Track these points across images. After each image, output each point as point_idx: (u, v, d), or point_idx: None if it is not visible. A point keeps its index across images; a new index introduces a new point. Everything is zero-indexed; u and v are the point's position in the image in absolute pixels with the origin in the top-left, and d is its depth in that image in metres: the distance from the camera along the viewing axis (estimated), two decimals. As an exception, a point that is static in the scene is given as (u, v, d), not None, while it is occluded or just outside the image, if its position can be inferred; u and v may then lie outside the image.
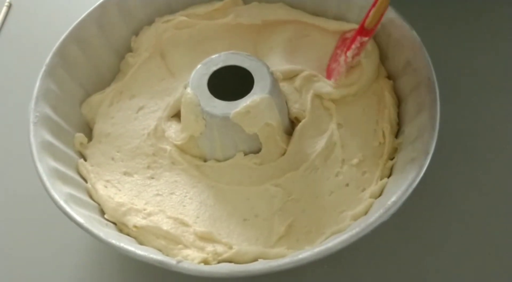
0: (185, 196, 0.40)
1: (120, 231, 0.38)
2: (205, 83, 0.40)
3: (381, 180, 0.39)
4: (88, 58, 0.45)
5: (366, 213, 0.37)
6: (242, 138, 0.40)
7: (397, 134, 0.41)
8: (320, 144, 0.41)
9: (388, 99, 0.42)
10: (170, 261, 0.33)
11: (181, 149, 0.42)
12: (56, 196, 0.36)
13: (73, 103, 0.44)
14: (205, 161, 0.42)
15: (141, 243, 0.37)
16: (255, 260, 0.35)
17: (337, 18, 0.46)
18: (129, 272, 0.41)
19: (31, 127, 0.39)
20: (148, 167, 0.42)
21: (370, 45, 0.43)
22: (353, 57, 0.42)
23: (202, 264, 0.35)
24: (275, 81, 0.40)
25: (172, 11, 0.48)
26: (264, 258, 0.35)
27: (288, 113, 0.43)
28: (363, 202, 0.38)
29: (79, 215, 0.35)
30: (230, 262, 0.36)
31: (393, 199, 0.34)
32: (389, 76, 0.44)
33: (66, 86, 0.43)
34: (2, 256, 0.43)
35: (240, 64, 0.40)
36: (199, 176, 0.41)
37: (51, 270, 0.42)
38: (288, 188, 0.39)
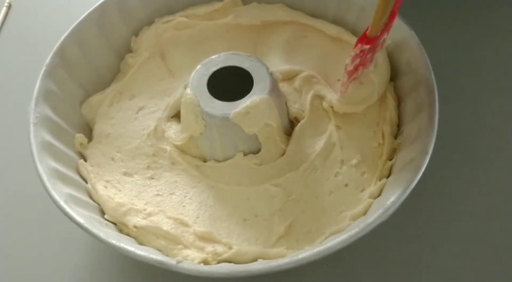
0: (185, 196, 0.40)
1: (120, 231, 0.39)
2: (204, 84, 0.40)
3: (380, 180, 0.39)
4: (88, 59, 0.45)
5: (365, 213, 0.37)
6: (242, 138, 0.40)
7: (396, 134, 0.41)
8: (320, 144, 0.41)
9: (390, 101, 0.42)
10: (170, 261, 0.34)
11: (181, 149, 0.42)
12: (56, 196, 0.36)
13: (73, 104, 0.44)
14: (205, 161, 0.42)
15: (141, 243, 0.37)
16: (255, 260, 0.36)
17: (336, 18, 0.46)
18: (129, 272, 0.41)
19: (31, 127, 0.39)
20: (148, 167, 0.42)
21: (383, 62, 0.41)
22: (356, 67, 0.39)
23: (202, 264, 0.35)
24: (274, 82, 0.41)
25: (172, 11, 0.48)
26: (264, 258, 0.36)
27: (288, 113, 0.43)
28: (362, 202, 0.38)
29: (79, 215, 0.35)
30: (230, 262, 0.36)
31: (392, 199, 0.34)
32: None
33: (66, 87, 0.43)
34: (2, 256, 0.43)
35: (239, 64, 0.41)
36: (199, 176, 0.41)
37: (51, 270, 0.42)
38: (287, 188, 0.39)
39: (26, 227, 0.44)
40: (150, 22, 0.48)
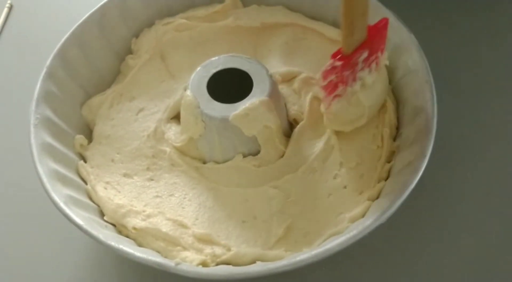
0: (184, 198, 0.40)
1: (120, 232, 0.39)
2: (204, 86, 0.40)
3: (378, 182, 0.39)
4: (88, 60, 0.45)
5: (363, 215, 0.37)
6: (241, 140, 0.40)
7: (395, 137, 0.41)
8: (318, 146, 0.41)
9: (389, 104, 0.42)
10: (169, 263, 0.34)
11: (181, 151, 0.42)
12: (56, 198, 0.36)
13: (74, 105, 0.44)
14: (204, 162, 0.42)
15: (140, 245, 0.38)
16: (254, 262, 0.36)
17: (336, 21, 0.46)
18: (128, 274, 0.42)
19: (32, 129, 0.39)
20: (148, 169, 0.42)
21: (375, 84, 0.39)
22: (335, 84, 0.37)
23: (201, 266, 0.35)
24: (274, 84, 0.41)
25: (172, 13, 0.48)
26: (263, 260, 0.36)
27: (287, 115, 0.43)
28: (360, 205, 0.38)
29: (78, 216, 0.35)
30: (229, 264, 0.36)
31: (390, 201, 0.34)
32: (388, 79, 0.44)
33: (66, 88, 0.43)
34: (2, 256, 0.44)
35: (239, 66, 0.41)
36: (198, 178, 0.41)
37: (50, 271, 0.43)
38: (286, 190, 0.39)
39: (26, 228, 0.45)
40: (150, 24, 0.48)
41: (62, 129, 0.42)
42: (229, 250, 0.37)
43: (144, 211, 0.39)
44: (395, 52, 0.42)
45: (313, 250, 0.34)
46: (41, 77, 0.42)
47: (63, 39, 0.44)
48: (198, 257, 0.36)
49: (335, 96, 0.38)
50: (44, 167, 0.38)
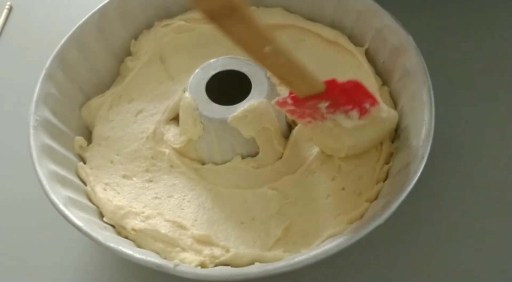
0: (183, 199, 0.40)
1: (119, 233, 0.39)
2: (203, 88, 0.40)
3: (377, 184, 0.39)
4: (88, 62, 0.45)
5: (361, 216, 0.37)
6: (240, 142, 0.40)
7: (393, 138, 0.42)
8: (317, 148, 0.41)
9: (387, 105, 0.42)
10: (168, 264, 0.34)
11: (180, 152, 0.42)
12: (56, 199, 0.36)
13: (73, 107, 0.44)
14: (203, 164, 0.42)
15: (139, 246, 0.38)
16: (252, 263, 0.36)
17: (334, 23, 0.47)
18: (127, 275, 0.42)
19: (31, 131, 0.39)
20: (147, 170, 0.42)
21: (364, 131, 0.38)
22: (305, 115, 0.37)
23: (199, 267, 0.35)
24: (272, 86, 0.41)
25: (171, 15, 0.48)
26: (261, 261, 0.36)
27: (286, 117, 0.43)
28: (359, 206, 0.38)
29: (78, 218, 0.36)
30: (227, 265, 0.36)
31: (388, 203, 0.34)
32: (385, 81, 0.44)
33: (66, 90, 0.43)
34: (2, 257, 0.44)
35: (238, 68, 0.41)
36: (197, 179, 0.41)
37: (50, 272, 0.43)
38: (285, 191, 0.40)
39: (26, 229, 0.45)
40: (149, 26, 0.48)
41: (61, 131, 0.42)
42: (228, 251, 0.37)
43: (143, 212, 0.39)
44: (393, 54, 0.42)
45: (311, 251, 0.34)
46: (40, 79, 0.42)
47: (62, 41, 0.44)
48: (197, 258, 0.36)
49: (308, 121, 0.38)
50: (44, 169, 0.38)
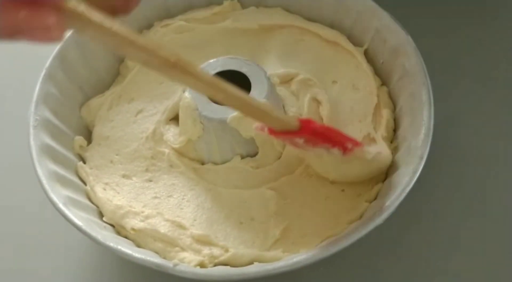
0: (183, 199, 0.40)
1: (118, 233, 0.39)
2: (203, 88, 0.40)
3: (376, 184, 0.39)
4: (87, 62, 0.45)
5: (361, 217, 0.37)
6: (239, 142, 0.40)
7: (392, 139, 0.42)
8: (316, 148, 0.41)
9: (386, 106, 0.42)
10: (167, 264, 0.34)
11: (179, 152, 0.42)
12: (55, 199, 0.36)
13: (73, 107, 0.44)
14: (202, 164, 0.42)
15: (138, 246, 0.38)
16: (251, 263, 0.36)
17: (334, 23, 0.47)
18: (126, 274, 0.42)
19: (31, 130, 0.39)
20: (147, 170, 0.42)
21: (350, 166, 0.38)
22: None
23: (199, 267, 0.35)
24: (272, 86, 0.41)
25: (171, 15, 0.48)
26: (260, 261, 0.36)
27: (285, 117, 0.43)
28: (358, 207, 0.38)
29: (77, 217, 0.36)
30: (226, 265, 0.36)
31: (387, 203, 0.34)
32: (384, 81, 0.44)
33: (66, 90, 0.44)
34: (1, 257, 0.44)
35: (238, 69, 0.41)
36: (197, 179, 0.41)
37: (49, 272, 0.43)
38: (283, 192, 0.40)
39: (25, 229, 0.45)
40: (149, 26, 0.48)
41: (61, 130, 0.42)
42: (227, 251, 0.37)
43: (142, 212, 0.39)
44: (392, 54, 0.42)
45: (310, 251, 0.34)
46: (40, 79, 0.42)
47: (62, 41, 0.44)
48: (196, 258, 0.36)
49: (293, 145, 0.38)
50: (44, 168, 0.38)
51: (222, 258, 0.36)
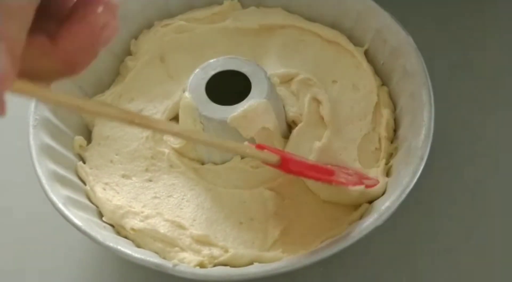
0: (183, 199, 0.40)
1: (118, 233, 0.39)
2: (203, 88, 0.40)
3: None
4: (88, 61, 0.45)
5: (361, 217, 0.37)
6: (240, 142, 0.40)
7: (392, 139, 0.42)
8: (316, 148, 0.41)
9: (386, 106, 0.42)
10: (167, 264, 0.34)
11: (179, 152, 0.42)
12: (55, 199, 0.36)
13: (73, 106, 0.44)
14: (202, 163, 0.42)
15: (138, 246, 0.38)
16: (251, 263, 0.36)
17: (334, 23, 0.47)
18: (126, 274, 0.42)
19: (31, 130, 0.39)
20: (146, 170, 0.42)
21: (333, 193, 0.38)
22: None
23: (198, 267, 0.35)
24: (272, 86, 0.41)
25: (171, 15, 0.48)
26: (260, 262, 0.36)
27: (285, 117, 0.43)
28: (358, 207, 0.38)
29: (77, 217, 0.36)
30: (226, 265, 0.36)
31: (387, 204, 0.34)
32: (385, 82, 0.44)
33: (66, 89, 0.43)
34: (1, 257, 0.44)
35: (238, 68, 0.41)
36: (197, 179, 0.41)
37: (49, 271, 0.43)
38: (282, 192, 0.40)
39: (25, 229, 0.45)
40: (149, 26, 0.48)
41: (61, 130, 0.42)
42: (226, 251, 0.37)
43: (142, 212, 0.39)
44: (392, 55, 0.42)
45: (310, 252, 0.34)
46: (40, 78, 0.42)
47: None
48: (196, 258, 0.36)
49: None
50: (43, 168, 0.38)
51: (221, 259, 0.36)
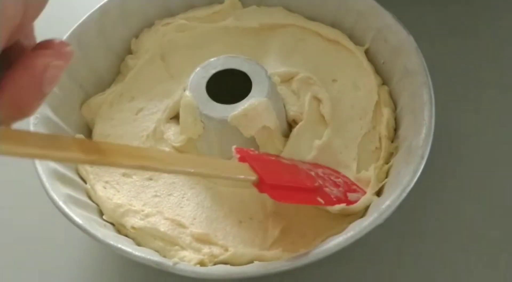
0: (183, 197, 0.40)
1: (118, 232, 0.39)
2: (203, 86, 0.40)
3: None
4: (88, 60, 0.45)
5: (361, 216, 0.37)
6: (240, 141, 0.40)
7: (393, 138, 0.42)
8: (316, 148, 0.41)
9: (386, 105, 0.42)
10: (167, 262, 0.34)
11: (180, 151, 0.42)
12: (55, 197, 0.36)
13: (73, 105, 0.44)
14: (203, 162, 0.42)
15: (139, 244, 0.38)
16: (251, 262, 0.36)
17: (335, 22, 0.47)
18: (126, 273, 0.42)
19: (32, 128, 0.39)
20: (147, 169, 0.42)
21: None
22: None
23: (198, 265, 0.35)
24: (273, 85, 0.41)
25: (172, 14, 0.49)
26: (260, 260, 0.36)
27: (286, 116, 0.43)
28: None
29: (77, 215, 0.36)
30: (226, 264, 0.36)
31: (388, 202, 0.34)
32: (385, 81, 0.44)
33: (66, 88, 0.43)
34: (1, 255, 0.44)
35: (238, 67, 0.41)
36: (197, 178, 0.41)
37: (49, 269, 0.43)
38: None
39: (25, 227, 0.45)
40: (150, 24, 0.48)
41: (61, 129, 0.42)
42: (226, 250, 0.37)
43: (142, 210, 0.39)
44: (393, 54, 0.42)
45: (310, 251, 0.34)
46: (41, 77, 0.42)
47: (62, 39, 0.44)
48: (196, 257, 0.36)
49: None
50: (44, 166, 0.38)
51: (222, 257, 0.36)
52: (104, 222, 0.39)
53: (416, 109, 0.39)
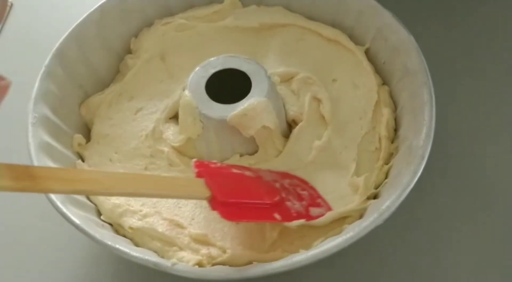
0: (181, 198, 0.40)
1: (116, 232, 0.39)
2: (203, 86, 0.40)
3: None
4: (87, 60, 0.45)
5: (361, 217, 0.37)
6: (239, 141, 0.40)
7: (393, 139, 0.41)
8: (316, 148, 0.41)
9: (386, 106, 0.42)
10: (165, 263, 0.34)
11: (179, 151, 0.42)
12: (53, 197, 0.36)
13: (72, 104, 0.44)
14: (202, 162, 0.42)
15: (137, 245, 0.38)
16: (250, 263, 0.35)
17: (335, 22, 0.46)
18: (124, 273, 0.42)
19: (30, 128, 0.39)
20: (146, 168, 0.42)
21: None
22: None
23: (197, 266, 0.35)
24: (272, 85, 0.41)
25: (171, 13, 0.48)
26: (259, 261, 0.36)
27: (286, 116, 0.43)
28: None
29: (75, 215, 0.35)
30: (225, 265, 0.36)
31: (387, 203, 0.34)
32: (385, 81, 0.44)
33: (65, 87, 0.43)
34: None
35: (238, 67, 0.41)
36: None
37: (47, 270, 0.43)
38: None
39: (23, 227, 0.45)
40: (150, 24, 0.48)
41: (60, 128, 0.42)
42: (224, 251, 0.36)
43: (140, 211, 0.39)
44: (393, 54, 0.42)
45: (310, 251, 0.33)
46: (39, 76, 0.42)
47: (62, 38, 0.44)
48: (194, 257, 0.36)
49: None
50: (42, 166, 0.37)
51: (220, 259, 0.36)
52: (102, 222, 0.39)
53: (416, 109, 0.39)
